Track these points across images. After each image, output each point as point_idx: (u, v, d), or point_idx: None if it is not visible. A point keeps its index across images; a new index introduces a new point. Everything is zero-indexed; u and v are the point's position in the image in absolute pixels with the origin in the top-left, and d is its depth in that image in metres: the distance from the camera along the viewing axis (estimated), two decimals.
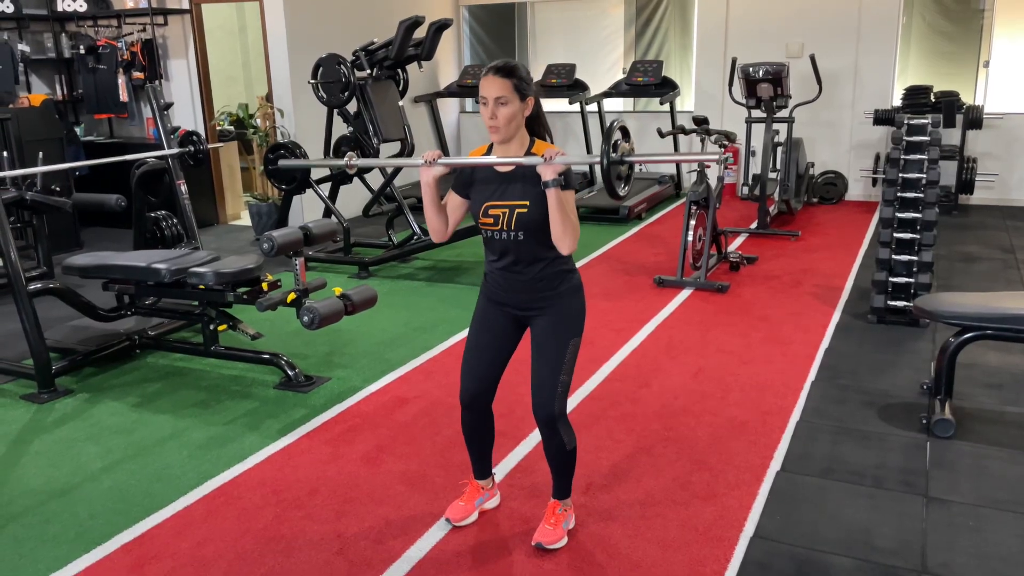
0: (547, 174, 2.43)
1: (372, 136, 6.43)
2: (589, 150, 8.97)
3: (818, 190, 8.31)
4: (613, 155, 2.46)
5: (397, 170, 6.67)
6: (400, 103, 6.68)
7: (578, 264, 6.23)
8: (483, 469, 2.97)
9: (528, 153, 2.56)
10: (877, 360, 4.32)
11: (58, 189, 5.44)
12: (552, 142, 2.66)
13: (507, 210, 2.54)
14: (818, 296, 5.39)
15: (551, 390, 2.63)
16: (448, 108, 9.88)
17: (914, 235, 4.79)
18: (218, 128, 8.05)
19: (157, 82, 7.42)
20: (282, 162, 3.30)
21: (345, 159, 2.88)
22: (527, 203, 2.52)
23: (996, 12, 7.89)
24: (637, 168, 9.26)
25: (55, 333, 4.75)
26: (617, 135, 2.47)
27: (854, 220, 7.57)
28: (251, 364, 4.46)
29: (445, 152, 9.64)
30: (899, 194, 4.88)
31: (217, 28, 9.09)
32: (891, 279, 4.80)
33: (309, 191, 6.70)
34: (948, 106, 7.36)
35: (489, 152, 2.62)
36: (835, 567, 2.64)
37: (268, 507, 3.08)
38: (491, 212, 2.57)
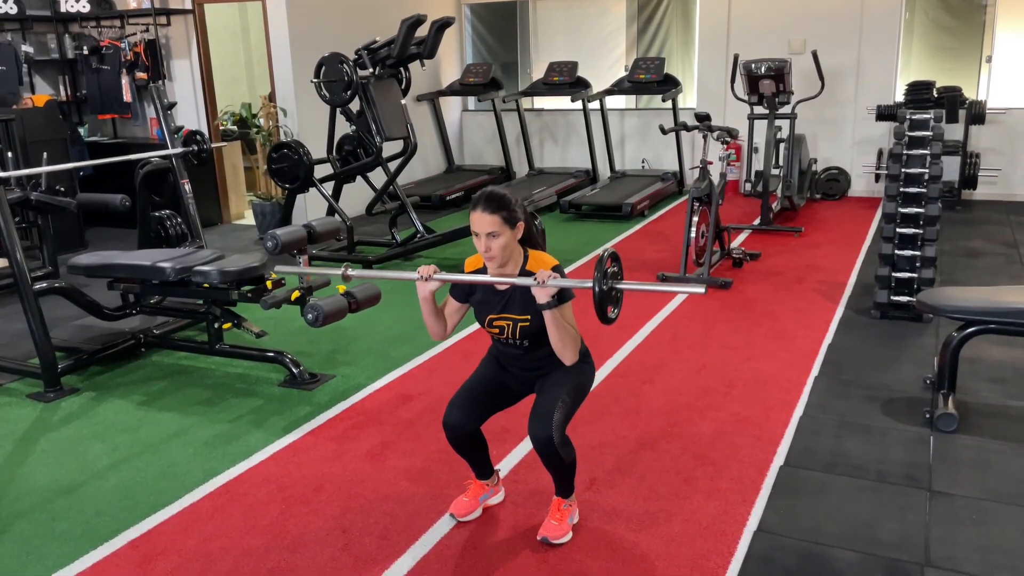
0: (541, 297, 2.49)
1: (375, 135, 6.44)
2: (591, 149, 8.98)
3: (821, 186, 8.31)
4: (605, 283, 2.51)
5: (400, 169, 6.68)
6: (402, 102, 6.69)
7: (582, 261, 6.25)
8: (483, 472, 2.98)
9: (523, 267, 2.64)
10: (880, 355, 4.33)
11: (62, 189, 5.45)
12: (544, 247, 2.76)
13: (511, 323, 2.66)
14: (821, 292, 5.39)
15: (549, 411, 2.63)
16: (450, 106, 9.89)
17: (917, 230, 4.79)
18: (221, 128, 8.07)
19: (160, 82, 7.45)
20: (278, 267, 3.26)
21: (341, 270, 2.88)
22: (528, 317, 2.62)
23: (999, 7, 7.87)
24: (640, 166, 9.23)
25: (61, 332, 4.77)
26: (608, 265, 2.51)
27: (857, 216, 7.57)
28: (256, 362, 4.47)
29: (447, 153, 9.65)
30: (902, 189, 4.88)
31: (220, 28, 9.11)
32: (894, 274, 4.81)
33: (312, 189, 6.72)
34: (951, 101, 7.35)
35: (485, 265, 2.66)
36: (838, 561, 2.65)
37: (273, 503, 3.10)
38: (496, 324, 2.69)
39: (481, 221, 2.54)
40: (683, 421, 3.65)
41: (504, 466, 3.29)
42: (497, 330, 2.70)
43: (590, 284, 2.48)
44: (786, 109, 7.23)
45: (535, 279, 2.49)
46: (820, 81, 7.40)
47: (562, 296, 2.54)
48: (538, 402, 2.68)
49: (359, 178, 6.95)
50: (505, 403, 2.86)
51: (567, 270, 5.78)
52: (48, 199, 5.15)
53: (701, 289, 2.49)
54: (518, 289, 2.62)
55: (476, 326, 4.68)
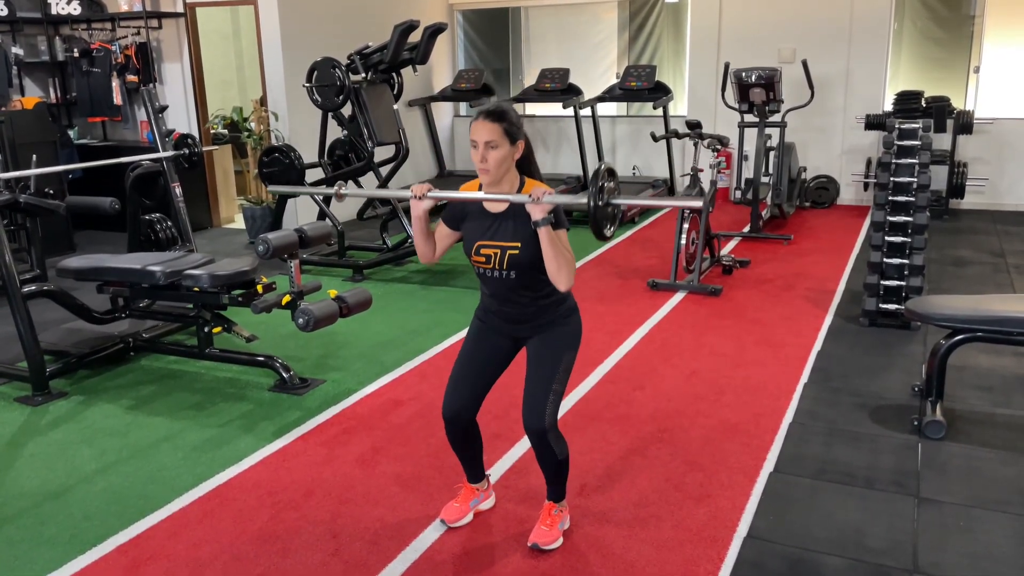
0: (536, 213, 2.44)
1: (367, 139, 6.44)
2: (582, 156, 9.00)
3: (810, 194, 8.36)
4: (601, 197, 2.49)
5: (392, 174, 6.68)
6: (395, 107, 6.70)
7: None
8: (475, 474, 2.98)
9: (519, 192, 2.58)
10: (869, 363, 4.35)
11: (51, 192, 5.42)
12: (542, 181, 2.68)
13: (499, 250, 2.58)
14: (810, 299, 5.42)
15: (542, 402, 2.63)
16: (442, 112, 9.90)
17: (905, 239, 4.83)
18: (212, 131, 8.05)
19: (152, 85, 7.42)
20: (271, 187, 3.31)
21: (335, 188, 2.89)
22: (518, 244, 2.55)
23: (986, 18, 7.95)
24: (631, 172, 9.23)
25: (49, 336, 4.74)
26: (604, 180, 2.50)
27: (846, 224, 7.62)
28: (246, 366, 4.46)
29: (439, 158, 9.66)
30: (890, 198, 4.92)
31: (211, 31, 9.08)
32: (883, 282, 4.84)
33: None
34: (939, 111, 7.42)
35: (480, 188, 2.63)
36: (827, 567, 2.66)
37: (264, 508, 3.09)
38: (483, 251, 2.60)
39: (480, 129, 2.50)
40: (673, 427, 3.67)
41: (495, 471, 3.29)
42: (484, 259, 2.60)
43: (585, 200, 2.44)
44: (776, 117, 7.28)
45: (531, 196, 2.44)
46: (810, 90, 7.45)
47: (557, 222, 2.49)
48: (530, 389, 2.65)
49: (351, 182, 6.94)
50: (497, 372, 2.78)
51: None
52: (37, 202, 5.11)
53: (698, 203, 2.45)
54: (510, 216, 2.56)
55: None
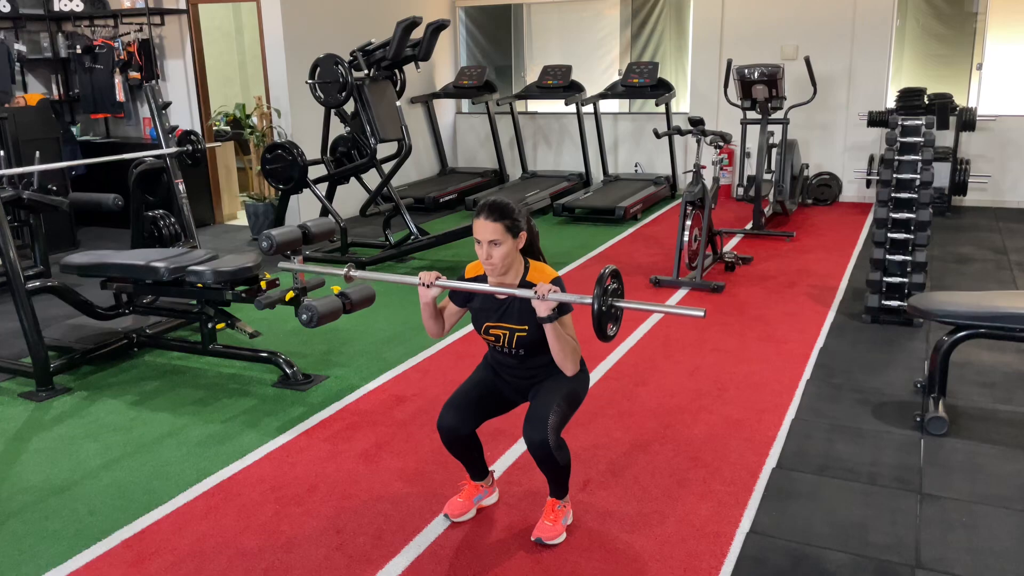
0: (541, 311, 2.48)
1: (369, 136, 6.45)
2: (585, 153, 9.00)
3: (813, 191, 8.36)
4: (604, 301, 2.50)
5: (394, 171, 6.69)
6: (397, 103, 6.70)
7: (575, 264, 6.27)
8: (478, 473, 2.99)
9: (524, 278, 2.64)
10: (871, 359, 4.36)
11: (55, 188, 5.44)
12: (546, 261, 2.74)
13: (507, 332, 2.66)
14: (813, 296, 5.43)
15: (544, 415, 2.62)
16: (444, 109, 9.91)
17: (908, 235, 4.83)
18: (215, 128, 8.06)
19: (154, 82, 7.43)
20: (281, 264, 3.34)
21: (345, 270, 2.93)
22: (526, 327, 2.63)
23: (989, 15, 7.94)
24: (633, 169, 9.25)
25: (53, 331, 4.75)
26: (609, 283, 2.51)
27: (848, 221, 7.62)
28: (249, 362, 4.47)
29: (441, 155, 9.66)
30: (893, 195, 4.92)
31: (214, 28, 9.10)
32: (885, 279, 4.84)
33: (306, 190, 6.72)
34: (941, 108, 7.41)
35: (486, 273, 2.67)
36: (830, 562, 2.67)
37: (267, 503, 3.10)
38: (492, 332, 2.69)
39: (484, 228, 2.54)
40: (676, 423, 3.67)
41: (498, 467, 3.30)
42: (493, 338, 2.71)
43: (590, 301, 2.47)
44: (779, 114, 7.28)
45: (535, 292, 2.48)
46: (812, 87, 7.44)
47: (562, 309, 2.54)
48: (533, 407, 2.69)
49: (353, 179, 6.95)
50: (499, 410, 2.86)
51: (560, 272, 5.79)
52: (40, 198, 5.13)
53: (700, 312, 2.48)
54: (517, 299, 2.63)
55: (471, 328, 4.70)
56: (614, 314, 2.56)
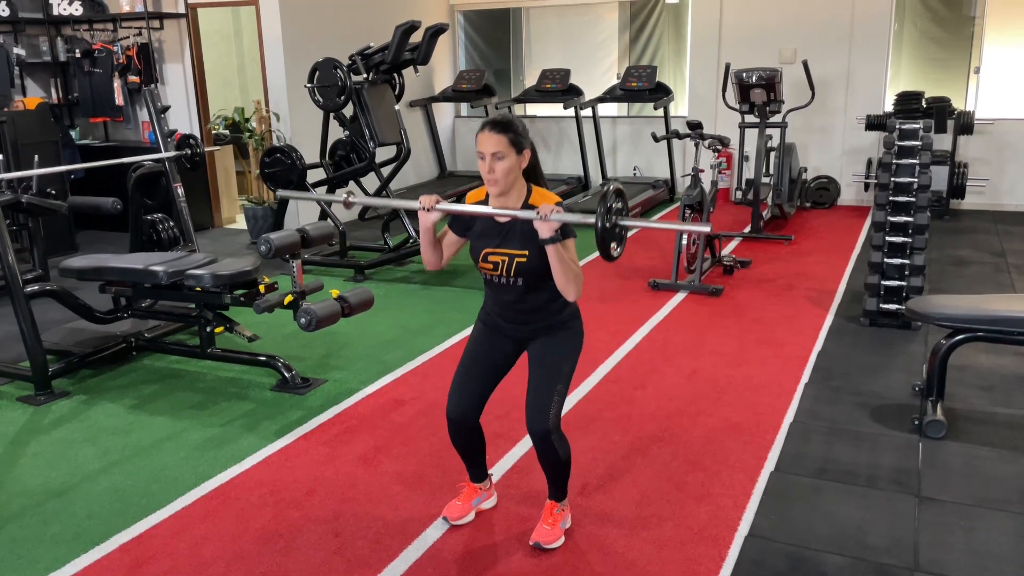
0: (544, 231, 2.45)
1: (368, 140, 6.45)
2: (583, 156, 9.01)
3: (811, 195, 8.37)
4: (608, 218, 2.50)
5: (393, 175, 6.69)
6: (396, 107, 6.71)
7: None
8: (478, 474, 2.99)
9: (526, 202, 2.59)
10: (870, 362, 4.36)
11: (53, 192, 5.43)
12: (547, 187, 2.70)
13: (506, 258, 2.60)
14: (811, 299, 5.43)
15: (546, 405, 2.64)
16: (443, 112, 9.92)
17: (906, 239, 4.84)
18: (214, 132, 8.06)
19: (153, 86, 7.44)
20: (280, 192, 3.32)
21: (343, 196, 2.90)
22: (526, 253, 2.57)
23: (987, 19, 7.96)
24: (632, 173, 9.23)
25: (52, 335, 4.75)
26: (612, 199, 2.50)
27: (846, 224, 7.62)
28: (248, 366, 4.47)
29: (440, 158, 9.66)
30: (891, 198, 4.93)
31: (213, 32, 9.10)
32: (883, 282, 4.85)
33: None
34: (939, 111, 7.42)
35: (487, 198, 2.65)
36: (829, 565, 2.67)
37: (266, 507, 3.10)
38: (490, 259, 2.62)
39: (487, 141, 2.52)
40: (674, 427, 3.67)
41: (497, 471, 3.29)
42: (491, 266, 2.62)
43: (593, 220, 2.45)
44: (777, 118, 7.28)
45: (538, 213, 2.45)
46: (811, 90, 7.46)
47: (564, 232, 2.49)
48: (533, 392, 2.66)
49: (352, 183, 6.95)
50: (500, 375, 2.80)
51: None
52: (39, 202, 5.12)
53: (706, 228, 2.48)
54: (518, 223, 2.57)
55: (471, 330, 4.69)
56: (618, 233, 2.54)
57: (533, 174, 2.66)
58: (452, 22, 9.92)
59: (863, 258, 6.29)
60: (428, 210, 2.62)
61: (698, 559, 2.72)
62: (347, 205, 2.89)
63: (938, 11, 8.24)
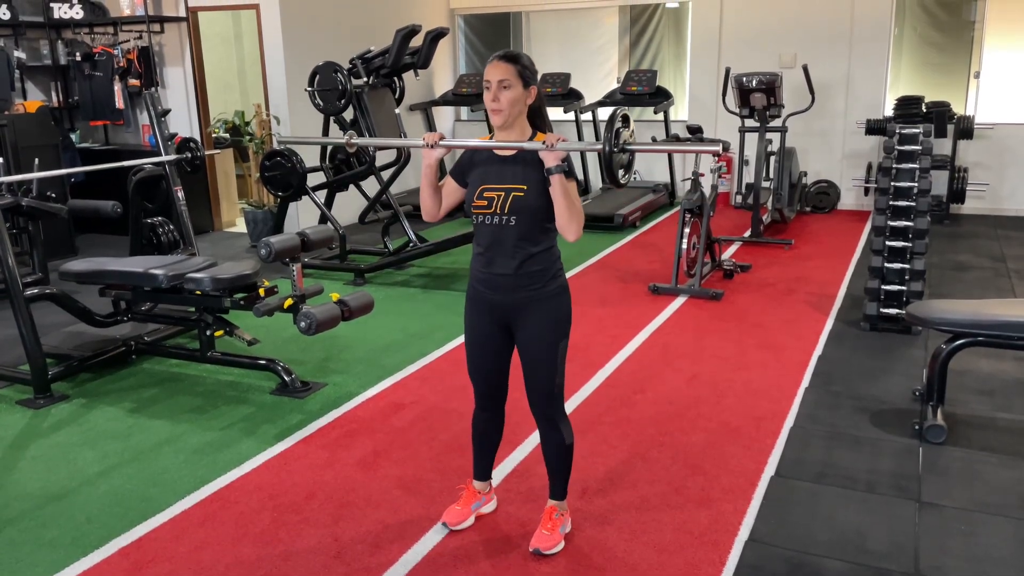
0: (550, 160, 2.45)
1: None
2: (583, 161, 9.02)
3: (811, 199, 8.37)
4: (615, 143, 2.51)
5: (393, 178, 6.69)
6: (396, 111, 6.71)
7: (574, 271, 6.26)
8: (484, 470, 2.99)
9: (530, 140, 2.57)
10: (870, 367, 4.36)
11: (54, 195, 5.44)
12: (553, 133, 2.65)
13: (503, 192, 2.54)
14: (811, 304, 5.43)
15: (547, 395, 2.68)
16: (443, 116, 9.92)
17: (906, 243, 4.84)
18: (214, 135, 8.07)
19: (154, 89, 7.45)
20: (280, 136, 3.34)
21: (345, 138, 2.93)
22: (525, 187, 2.53)
23: (987, 24, 7.97)
24: (631, 177, 9.27)
25: (51, 339, 4.75)
26: (619, 124, 2.51)
27: (847, 229, 7.63)
28: (247, 370, 4.46)
29: (440, 162, 9.66)
30: (891, 203, 4.93)
31: (213, 35, 9.11)
32: (883, 287, 4.84)
33: (305, 198, 6.72)
34: (939, 116, 7.43)
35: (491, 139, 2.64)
36: (829, 570, 2.66)
37: (265, 512, 3.09)
38: (486, 195, 2.56)
39: (495, 69, 2.50)
40: (674, 431, 3.67)
41: (496, 474, 3.29)
42: (486, 203, 2.55)
43: (600, 146, 2.45)
44: (777, 122, 7.29)
45: (544, 143, 2.45)
46: (810, 95, 7.46)
47: (569, 171, 2.49)
48: (532, 383, 2.67)
49: (352, 187, 6.96)
50: (503, 350, 2.74)
51: None
52: (39, 205, 5.14)
53: (717, 148, 2.49)
54: (519, 160, 2.55)
55: None
56: (625, 158, 2.55)
57: (539, 117, 2.63)
58: (452, 26, 9.93)
59: (863, 262, 6.29)
60: (432, 146, 2.62)
61: (698, 564, 2.71)
62: (349, 146, 2.94)
63: (938, 16, 8.25)
